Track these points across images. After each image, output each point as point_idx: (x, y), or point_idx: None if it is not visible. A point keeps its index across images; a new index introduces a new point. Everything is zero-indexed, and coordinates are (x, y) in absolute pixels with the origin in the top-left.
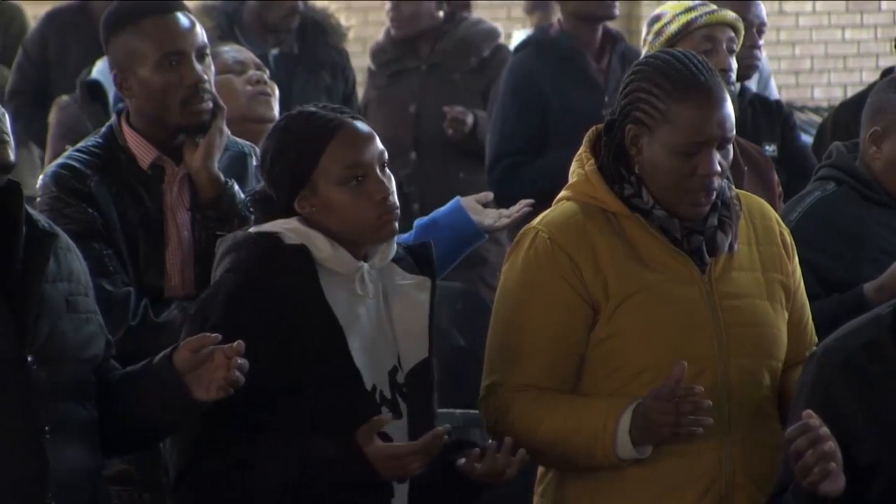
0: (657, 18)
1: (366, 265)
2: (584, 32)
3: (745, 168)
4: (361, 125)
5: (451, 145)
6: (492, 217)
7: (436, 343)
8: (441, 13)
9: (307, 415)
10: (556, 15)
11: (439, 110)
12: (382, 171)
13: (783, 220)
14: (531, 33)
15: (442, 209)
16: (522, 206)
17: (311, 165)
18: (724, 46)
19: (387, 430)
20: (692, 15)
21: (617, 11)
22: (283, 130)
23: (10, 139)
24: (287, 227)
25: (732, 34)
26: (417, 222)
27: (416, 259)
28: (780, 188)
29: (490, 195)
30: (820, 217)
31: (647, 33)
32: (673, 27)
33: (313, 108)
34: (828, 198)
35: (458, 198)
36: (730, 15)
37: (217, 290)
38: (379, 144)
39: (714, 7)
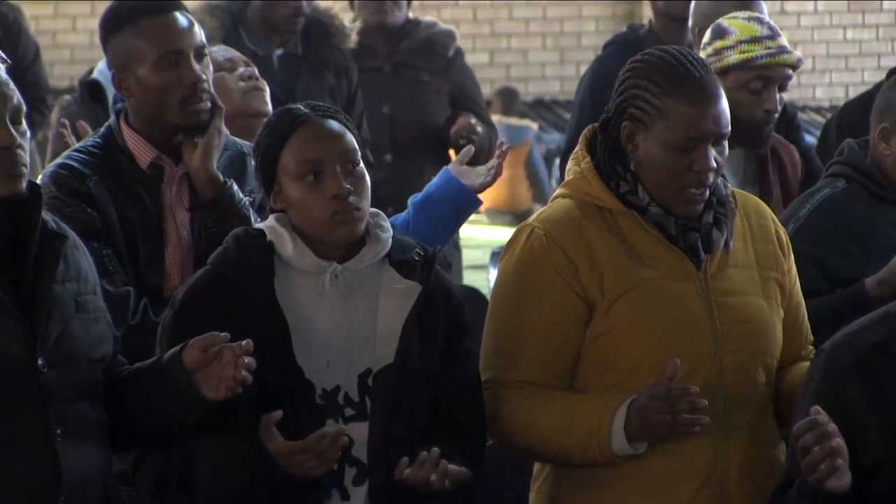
0: (721, 34)
1: (336, 265)
2: (673, 33)
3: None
4: (331, 122)
5: (424, 147)
6: (482, 175)
7: (418, 350)
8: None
9: (249, 411)
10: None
11: (412, 112)
12: (346, 169)
13: (792, 217)
14: (621, 31)
15: (433, 182)
16: (500, 148)
17: (275, 161)
18: (776, 86)
19: (350, 432)
20: (756, 52)
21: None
22: (262, 127)
23: (26, 171)
24: (268, 225)
25: (790, 72)
26: (412, 199)
27: (423, 263)
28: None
29: (472, 149)
30: (829, 214)
31: (709, 43)
32: (734, 58)
33: (292, 105)
34: (837, 195)
35: (445, 168)
36: (793, 57)
37: (188, 282)
38: (346, 143)
39: (778, 45)
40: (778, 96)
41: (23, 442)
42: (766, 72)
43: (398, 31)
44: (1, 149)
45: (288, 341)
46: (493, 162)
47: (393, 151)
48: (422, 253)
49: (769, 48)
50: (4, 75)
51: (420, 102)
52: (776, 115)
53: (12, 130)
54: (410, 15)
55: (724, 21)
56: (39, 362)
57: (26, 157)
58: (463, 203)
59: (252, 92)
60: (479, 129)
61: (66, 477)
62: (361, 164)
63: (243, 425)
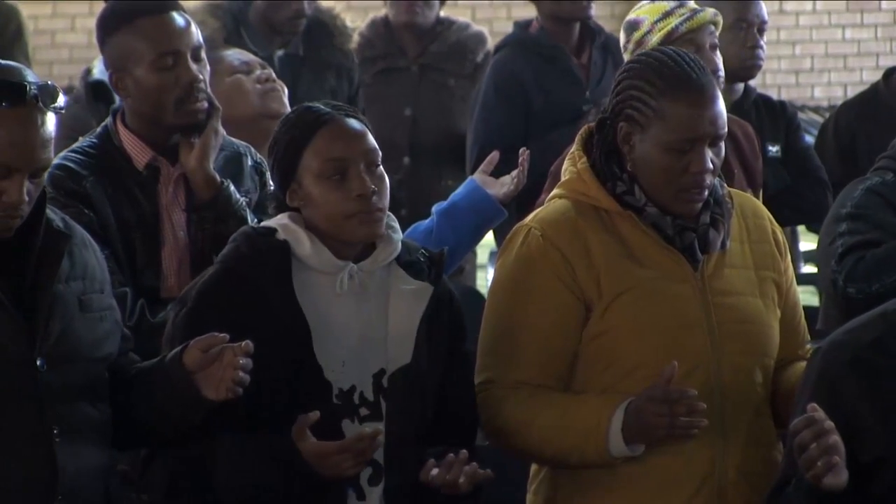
0: (635, 26)
1: (353, 265)
2: (561, 30)
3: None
4: (353, 122)
5: (444, 153)
6: (505, 185)
7: (426, 350)
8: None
9: (267, 410)
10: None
11: (435, 116)
12: (369, 169)
13: (845, 201)
14: (511, 32)
15: (459, 191)
16: (523, 155)
17: (297, 158)
18: (708, 47)
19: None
20: (672, 23)
21: (592, 11)
22: (280, 124)
23: (22, 220)
24: (280, 223)
25: (713, 28)
26: (436, 208)
27: (431, 265)
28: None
29: (496, 156)
30: (880, 194)
31: (627, 41)
32: (655, 38)
33: (312, 104)
34: (888, 181)
35: (471, 178)
36: (708, 14)
37: (197, 280)
38: (369, 143)
39: (690, 8)
40: (716, 57)
41: (19, 441)
42: (692, 37)
43: (428, 32)
44: (8, 203)
45: (308, 340)
46: (516, 171)
47: (411, 154)
48: (427, 255)
49: (683, 15)
50: (49, 129)
51: (444, 107)
52: (720, 73)
53: (24, 189)
54: (442, 14)
55: (630, 15)
56: (38, 362)
57: (28, 209)
58: (487, 213)
59: (270, 93)
60: None
61: (63, 476)
62: (381, 165)
63: (245, 423)
